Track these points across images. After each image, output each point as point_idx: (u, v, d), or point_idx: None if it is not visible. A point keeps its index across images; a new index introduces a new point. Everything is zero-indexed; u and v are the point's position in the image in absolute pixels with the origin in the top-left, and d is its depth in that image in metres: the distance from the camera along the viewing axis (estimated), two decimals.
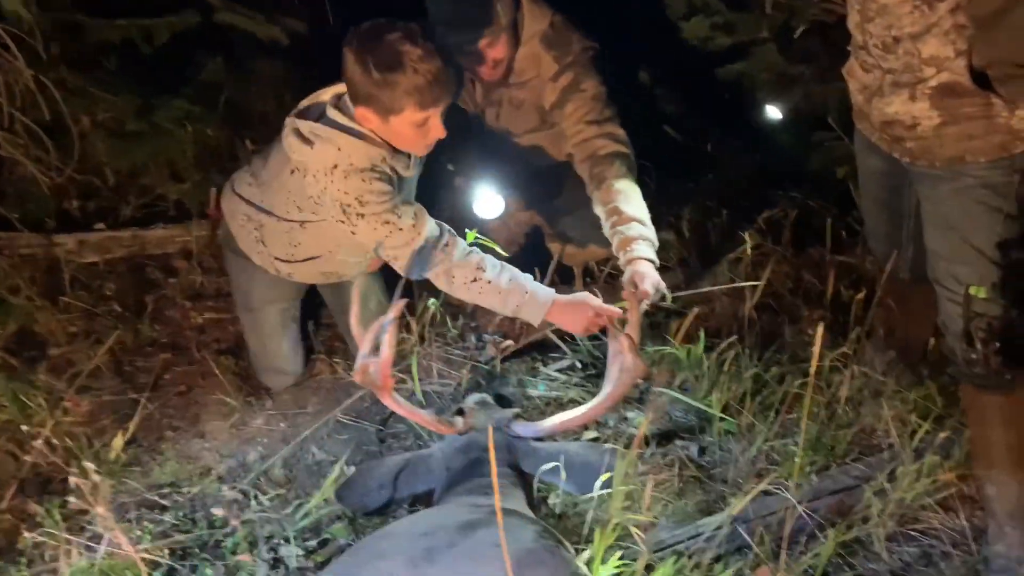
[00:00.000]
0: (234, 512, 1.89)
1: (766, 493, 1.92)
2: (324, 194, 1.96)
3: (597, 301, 2.00)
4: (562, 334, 2.47)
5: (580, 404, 2.08)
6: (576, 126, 2.35)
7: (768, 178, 3.22)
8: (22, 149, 2.82)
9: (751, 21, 2.78)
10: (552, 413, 2.11)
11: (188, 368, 2.46)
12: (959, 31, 1.60)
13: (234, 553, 1.79)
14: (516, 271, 2.05)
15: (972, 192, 1.73)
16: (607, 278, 2.71)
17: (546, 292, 2.02)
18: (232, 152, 3.13)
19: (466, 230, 2.14)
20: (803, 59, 2.77)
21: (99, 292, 2.68)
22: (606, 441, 2.12)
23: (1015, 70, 1.60)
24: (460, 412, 2.04)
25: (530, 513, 1.76)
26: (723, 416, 2.15)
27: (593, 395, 2.04)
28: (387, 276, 2.45)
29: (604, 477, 1.80)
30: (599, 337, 2.07)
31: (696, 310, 2.35)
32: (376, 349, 1.75)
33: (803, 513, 1.86)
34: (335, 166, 1.91)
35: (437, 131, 1.93)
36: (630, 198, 2.20)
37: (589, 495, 1.85)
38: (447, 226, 2.05)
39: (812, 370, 1.56)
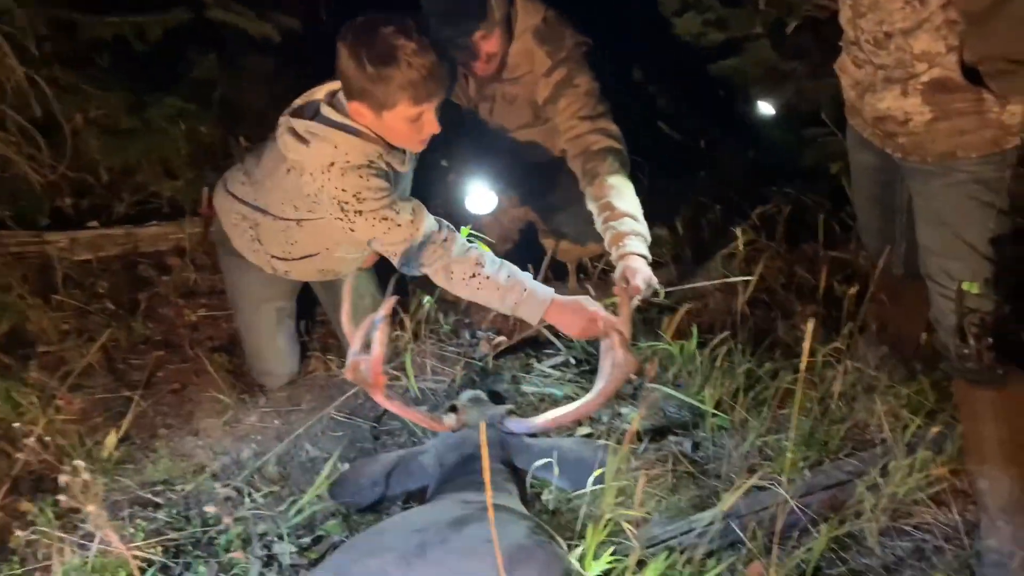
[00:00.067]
0: (227, 509, 1.89)
1: (759, 488, 1.93)
2: (321, 192, 1.95)
3: (596, 305, 1.99)
4: (555, 330, 2.47)
5: (574, 400, 2.08)
6: (569, 121, 2.35)
7: (761, 174, 3.23)
8: (14, 147, 2.81)
9: (744, 17, 2.78)
10: (546, 409, 2.10)
11: (181, 366, 2.45)
12: (950, 27, 1.61)
13: (227, 551, 1.78)
14: (515, 268, 2.04)
15: (964, 187, 1.73)
16: (601, 274, 2.71)
17: (545, 291, 2.02)
18: (226, 149, 3.12)
19: (460, 227, 2.14)
20: (796, 55, 2.77)
21: (92, 290, 2.67)
22: (600, 437, 2.12)
23: (1006, 65, 1.60)
24: (453, 409, 2.04)
25: (523, 509, 1.77)
26: (716, 412, 2.15)
27: (587, 391, 2.04)
28: (381, 273, 2.45)
29: (597, 473, 1.80)
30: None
31: (687, 305, 2.36)
32: (367, 346, 1.75)
33: (796, 508, 1.86)
34: (332, 164, 1.91)
35: (431, 126, 1.92)
36: (623, 194, 2.20)
37: (582, 491, 1.85)
38: (446, 222, 2.05)
39: (802, 366, 1.56)
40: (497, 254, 2.11)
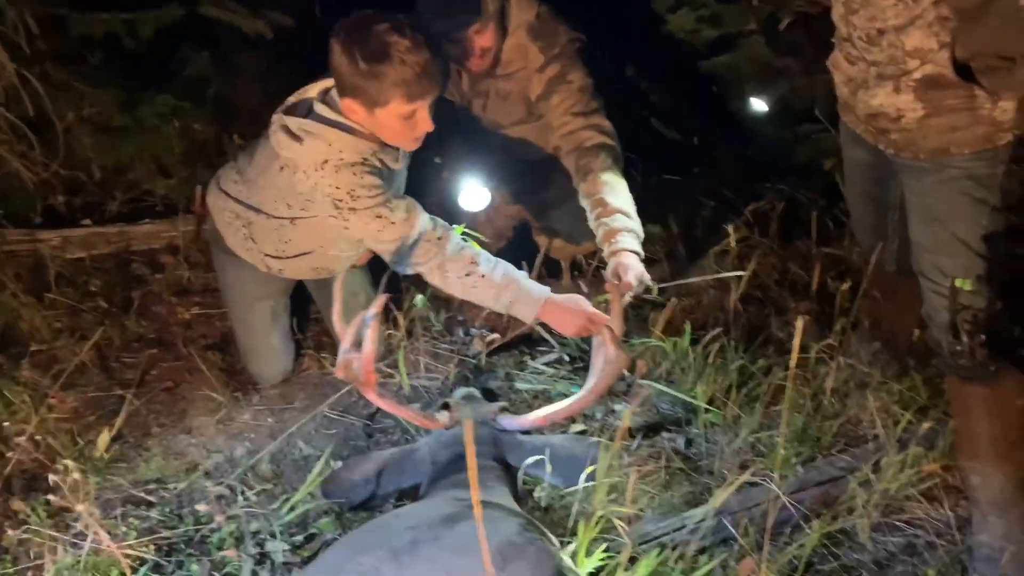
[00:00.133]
0: (220, 508, 1.89)
1: (751, 484, 1.93)
2: (315, 190, 1.95)
3: (589, 305, 2.00)
4: (549, 327, 2.46)
5: (567, 397, 2.08)
6: (562, 117, 2.35)
7: (755, 170, 3.23)
8: (6, 145, 2.81)
9: (737, 13, 2.78)
10: (540, 406, 2.11)
11: (175, 364, 2.44)
12: (942, 23, 1.61)
13: (220, 549, 1.78)
14: (510, 267, 2.04)
15: (956, 184, 1.73)
16: (595, 271, 2.71)
17: (540, 290, 2.02)
18: (219, 147, 3.12)
19: (453, 225, 2.14)
20: (789, 51, 2.78)
21: (85, 288, 2.67)
22: (593, 434, 2.12)
23: (998, 62, 1.60)
24: (446, 406, 2.05)
25: (515, 506, 1.77)
26: (709, 408, 2.15)
27: (580, 388, 2.04)
28: (373, 270, 2.45)
29: (589, 470, 1.81)
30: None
31: (676, 300, 2.36)
32: (359, 344, 1.75)
33: (788, 504, 1.87)
34: (325, 161, 1.90)
35: (425, 124, 1.91)
36: (615, 190, 2.20)
37: (574, 488, 1.85)
38: (440, 220, 2.04)
39: (792, 363, 1.56)
40: (491, 252, 2.11)
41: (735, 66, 2.93)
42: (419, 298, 2.34)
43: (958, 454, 1.95)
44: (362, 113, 1.88)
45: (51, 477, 1.59)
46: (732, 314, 2.39)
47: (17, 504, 1.86)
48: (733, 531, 1.83)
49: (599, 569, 1.66)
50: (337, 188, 1.91)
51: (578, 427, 2.17)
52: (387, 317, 2.44)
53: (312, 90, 2.00)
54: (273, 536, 1.82)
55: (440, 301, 2.51)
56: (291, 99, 2.02)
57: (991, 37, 1.59)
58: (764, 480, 1.93)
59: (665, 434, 2.17)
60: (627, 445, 2.09)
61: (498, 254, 2.09)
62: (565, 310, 2.00)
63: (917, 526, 1.95)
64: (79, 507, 1.56)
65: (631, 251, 2.09)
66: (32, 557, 1.76)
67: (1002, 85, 1.61)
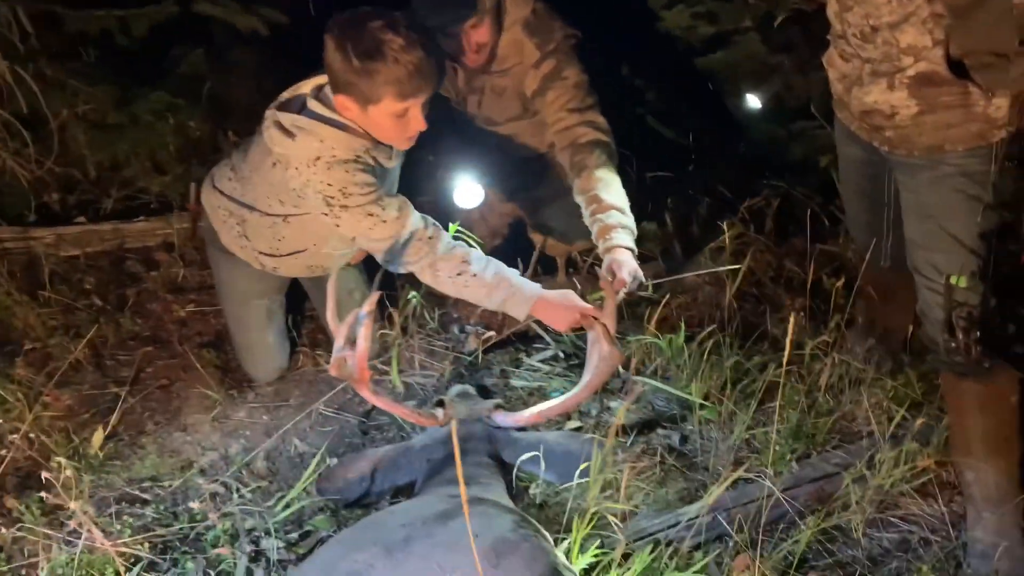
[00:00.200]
0: (215, 505, 1.89)
1: (746, 481, 1.94)
2: (307, 187, 1.94)
3: (580, 300, 2.00)
4: (544, 324, 2.46)
5: (563, 394, 2.08)
6: (557, 114, 2.35)
7: (750, 167, 3.23)
8: (0, 142, 2.79)
9: (733, 10, 2.78)
10: (535, 403, 2.11)
11: (170, 361, 2.44)
12: (936, 20, 1.61)
13: (215, 547, 1.78)
14: (502, 265, 2.04)
15: (950, 181, 1.73)
16: (590, 269, 2.71)
17: (532, 287, 2.02)
18: (214, 144, 3.11)
19: (449, 224, 2.14)
20: (784, 48, 2.78)
21: (79, 286, 2.65)
22: (588, 431, 2.12)
23: (992, 59, 1.60)
24: (440, 403, 2.05)
25: (509, 503, 1.77)
26: (704, 404, 2.15)
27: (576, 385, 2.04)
28: (368, 268, 2.44)
29: (584, 466, 1.81)
30: (582, 327, 2.08)
31: (668, 296, 2.36)
32: (353, 342, 1.74)
33: (783, 500, 1.87)
34: (318, 158, 1.90)
35: (417, 123, 1.91)
36: (610, 186, 2.20)
37: (569, 484, 1.85)
38: (432, 219, 2.04)
39: (785, 360, 1.57)
40: (486, 250, 2.10)
41: (730, 63, 2.94)
42: (412, 294, 2.34)
43: (952, 450, 1.96)
44: (355, 110, 1.88)
45: (43, 474, 1.58)
46: (727, 311, 2.40)
47: (11, 502, 1.85)
48: (728, 527, 1.83)
49: (593, 565, 1.67)
50: (329, 185, 1.91)
51: (573, 424, 2.18)
52: (382, 315, 2.44)
53: (306, 86, 2.00)
54: (268, 533, 1.82)
55: (435, 298, 2.50)
56: (284, 95, 2.02)
57: (985, 34, 1.59)
58: (759, 476, 1.94)
59: (660, 430, 2.17)
60: (622, 442, 2.10)
61: (493, 252, 2.09)
62: (557, 306, 2.00)
63: (911, 522, 1.95)
64: (72, 505, 1.56)
65: (625, 248, 2.09)
66: (26, 555, 1.76)
67: (996, 82, 1.62)
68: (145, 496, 1.95)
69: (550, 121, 2.37)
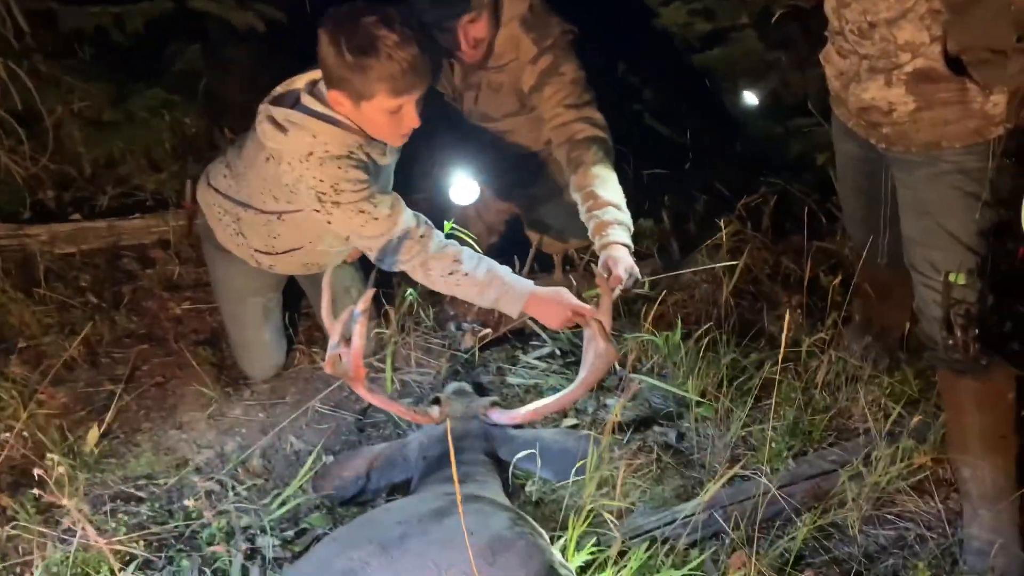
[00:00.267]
0: (211, 503, 1.88)
1: (742, 478, 1.94)
2: (299, 182, 1.93)
3: (573, 297, 1.99)
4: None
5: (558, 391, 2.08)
6: (554, 110, 2.34)
7: (747, 165, 3.22)
8: None
9: (730, 7, 2.78)
10: (532, 401, 2.10)
11: (165, 359, 2.43)
12: (934, 16, 1.60)
13: (210, 544, 1.78)
14: (494, 263, 2.03)
15: (947, 177, 1.73)
16: (586, 266, 2.70)
17: (524, 284, 2.01)
18: (210, 141, 3.10)
19: (444, 221, 2.13)
20: (781, 45, 2.78)
21: (74, 283, 2.64)
22: (584, 428, 2.12)
23: (989, 55, 1.60)
24: (437, 401, 2.04)
25: (505, 500, 1.77)
26: (700, 402, 2.15)
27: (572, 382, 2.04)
28: (365, 266, 2.44)
29: (580, 463, 1.81)
30: (579, 325, 2.08)
31: (665, 293, 2.36)
32: (348, 339, 1.74)
33: (779, 497, 1.87)
34: (310, 153, 1.89)
35: (411, 120, 1.90)
36: (606, 183, 2.19)
37: (565, 481, 1.85)
38: (424, 217, 2.03)
39: (780, 357, 1.56)
40: (483, 247, 2.09)
41: (727, 60, 2.93)
42: (409, 291, 2.33)
43: (949, 447, 1.96)
44: (348, 106, 1.87)
45: (35, 472, 1.58)
46: (724, 308, 2.40)
47: (5, 500, 1.85)
48: (724, 525, 1.83)
49: (589, 563, 1.67)
50: (321, 181, 1.90)
51: (569, 421, 2.17)
52: (378, 312, 2.43)
53: (300, 81, 1.99)
54: (264, 531, 1.82)
55: (431, 296, 2.50)
56: (278, 89, 2.01)
57: (982, 30, 1.59)
58: (755, 474, 1.94)
59: (656, 428, 2.17)
60: (618, 439, 2.09)
61: (489, 249, 2.09)
62: (549, 303, 1.99)
63: (907, 519, 1.96)
64: (67, 503, 1.55)
65: (622, 244, 2.09)
66: (21, 553, 1.75)
67: (993, 79, 1.61)
68: (140, 494, 1.95)
69: (547, 117, 2.36)
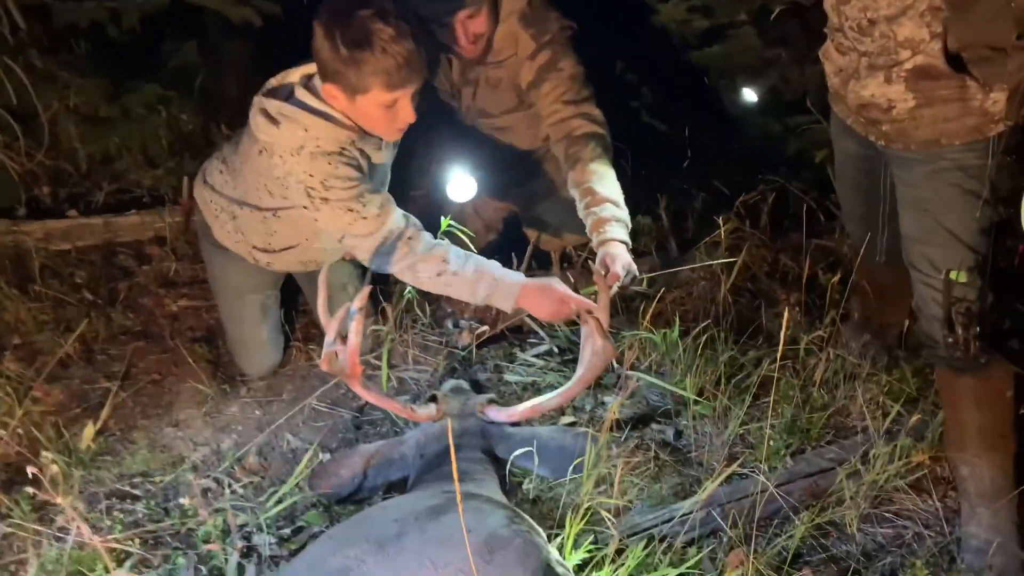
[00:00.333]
0: (207, 501, 1.88)
1: (740, 476, 1.93)
2: (289, 176, 1.92)
3: (564, 287, 1.98)
4: (538, 319, 2.46)
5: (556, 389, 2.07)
6: (553, 106, 2.33)
7: (746, 162, 3.22)
8: None
9: (728, 4, 2.77)
10: (529, 398, 2.10)
11: (161, 356, 2.42)
12: (934, 13, 1.60)
13: (206, 542, 1.77)
14: (482, 259, 2.02)
15: (947, 175, 1.73)
16: (584, 263, 2.70)
17: (515, 277, 2.00)
18: (207, 137, 3.09)
19: (441, 217, 2.12)
20: (780, 42, 2.77)
21: (70, 280, 2.63)
22: (582, 426, 2.11)
23: (989, 53, 1.60)
24: (433, 398, 2.03)
25: (502, 498, 1.76)
26: (698, 399, 2.15)
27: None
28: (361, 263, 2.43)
29: (577, 461, 1.80)
30: (577, 322, 2.07)
31: (663, 290, 2.35)
32: (344, 337, 1.73)
33: (777, 495, 1.87)
34: (301, 147, 1.88)
35: (406, 114, 1.89)
36: (604, 179, 2.18)
37: (563, 479, 1.85)
38: (414, 218, 2.02)
39: (779, 355, 1.56)
40: (481, 244, 2.08)
41: (726, 57, 2.93)
42: (408, 289, 2.33)
43: (947, 445, 1.96)
44: (343, 100, 1.85)
45: (29, 469, 1.56)
46: (722, 306, 2.39)
47: None
48: (722, 523, 1.83)
49: (587, 561, 1.66)
50: (311, 176, 1.88)
51: (567, 419, 2.17)
52: (376, 309, 2.42)
53: (294, 74, 1.98)
54: (260, 529, 1.81)
55: (429, 293, 2.49)
56: (272, 81, 1.99)
57: (983, 27, 1.58)
58: (753, 472, 1.94)
59: (654, 426, 2.17)
60: (616, 437, 2.09)
61: (488, 246, 2.08)
62: (539, 293, 1.98)
63: (905, 517, 1.95)
64: (58, 500, 1.54)
65: (619, 241, 2.08)
66: (15, 551, 1.75)
67: (993, 76, 1.61)
68: (136, 492, 1.94)
69: (545, 113, 2.35)
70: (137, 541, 1.76)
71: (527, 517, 1.61)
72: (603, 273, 2.00)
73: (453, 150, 2.48)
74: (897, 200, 1.88)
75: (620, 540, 1.68)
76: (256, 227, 2.15)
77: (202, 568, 1.73)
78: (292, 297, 2.56)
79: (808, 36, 2.45)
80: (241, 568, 1.72)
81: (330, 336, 1.72)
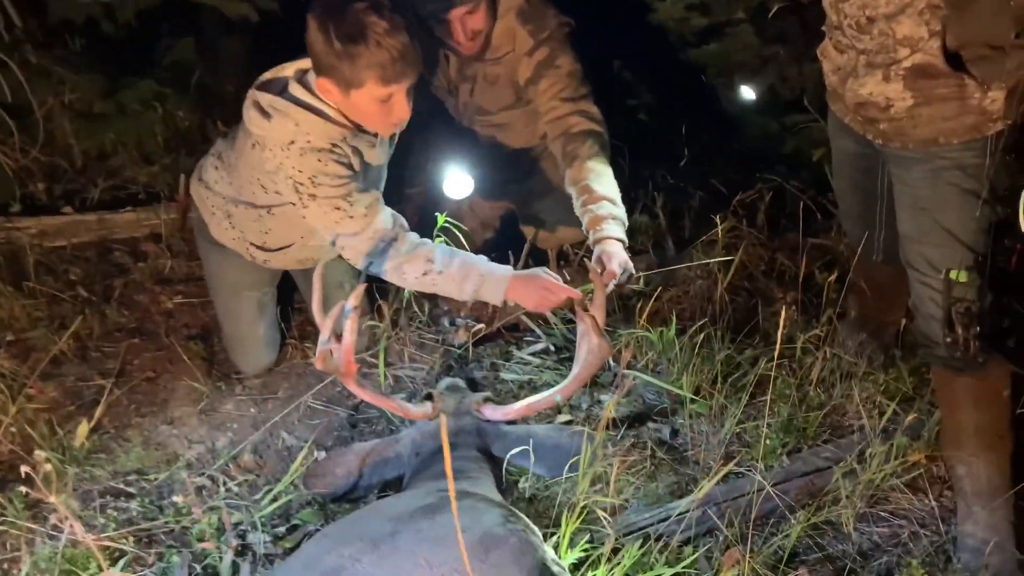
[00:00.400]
0: (201, 499, 1.87)
1: (737, 475, 1.93)
2: (279, 171, 1.91)
3: (551, 276, 1.98)
4: (535, 317, 2.45)
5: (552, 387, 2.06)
6: (550, 103, 2.32)
7: (743, 160, 3.22)
8: None
9: (727, 2, 2.77)
10: (525, 397, 2.09)
11: (156, 353, 2.41)
12: (933, 12, 1.60)
13: (200, 540, 1.76)
14: (467, 255, 2.01)
15: (945, 174, 1.72)
16: (581, 261, 2.69)
17: (502, 270, 2.00)
18: (203, 134, 3.08)
19: (436, 213, 2.11)
20: (778, 40, 2.77)
21: (65, 277, 2.62)
22: (578, 424, 2.11)
23: (988, 51, 1.59)
24: (429, 397, 2.03)
25: (498, 497, 1.75)
26: (694, 398, 2.14)
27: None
28: None
29: (574, 459, 1.80)
30: (574, 320, 2.07)
31: (659, 289, 2.35)
32: (339, 335, 1.72)
33: (773, 494, 1.87)
34: (292, 142, 1.86)
35: (401, 109, 1.87)
36: (601, 177, 2.18)
37: (558, 478, 1.84)
38: (401, 219, 2.01)
39: (776, 354, 1.56)
40: (477, 242, 2.07)
41: (724, 55, 2.92)
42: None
43: (944, 444, 1.96)
44: (337, 94, 1.84)
45: (22, 468, 1.56)
46: (719, 304, 2.39)
47: None
48: (718, 522, 1.82)
49: (582, 560, 1.66)
50: (300, 172, 1.87)
51: (563, 417, 2.16)
52: (372, 307, 2.42)
53: (289, 68, 1.96)
54: (255, 527, 1.81)
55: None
56: (266, 75, 1.98)
57: (981, 26, 1.58)
58: (749, 470, 1.94)
59: (650, 424, 2.16)
60: (612, 435, 2.09)
61: (485, 244, 2.07)
62: (526, 284, 1.98)
63: (902, 516, 1.95)
64: (52, 498, 1.53)
65: (616, 239, 2.08)
66: (8, 549, 1.74)
67: (992, 75, 1.61)
68: (130, 490, 1.93)
69: (543, 110, 2.35)
70: (131, 539, 1.75)
71: (523, 516, 1.61)
72: (599, 271, 1.99)
73: (450, 147, 2.48)
74: (895, 199, 1.88)
75: (616, 539, 1.68)
76: (251, 226, 2.14)
77: (196, 567, 1.72)
78: (288, 294, 2.55)
79: (806, 34, 2.45)
80: (236, 567, 1.72)
81: (325, 334, 1.72)
